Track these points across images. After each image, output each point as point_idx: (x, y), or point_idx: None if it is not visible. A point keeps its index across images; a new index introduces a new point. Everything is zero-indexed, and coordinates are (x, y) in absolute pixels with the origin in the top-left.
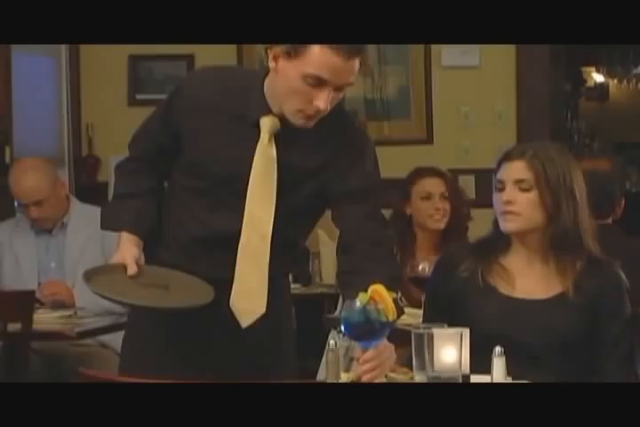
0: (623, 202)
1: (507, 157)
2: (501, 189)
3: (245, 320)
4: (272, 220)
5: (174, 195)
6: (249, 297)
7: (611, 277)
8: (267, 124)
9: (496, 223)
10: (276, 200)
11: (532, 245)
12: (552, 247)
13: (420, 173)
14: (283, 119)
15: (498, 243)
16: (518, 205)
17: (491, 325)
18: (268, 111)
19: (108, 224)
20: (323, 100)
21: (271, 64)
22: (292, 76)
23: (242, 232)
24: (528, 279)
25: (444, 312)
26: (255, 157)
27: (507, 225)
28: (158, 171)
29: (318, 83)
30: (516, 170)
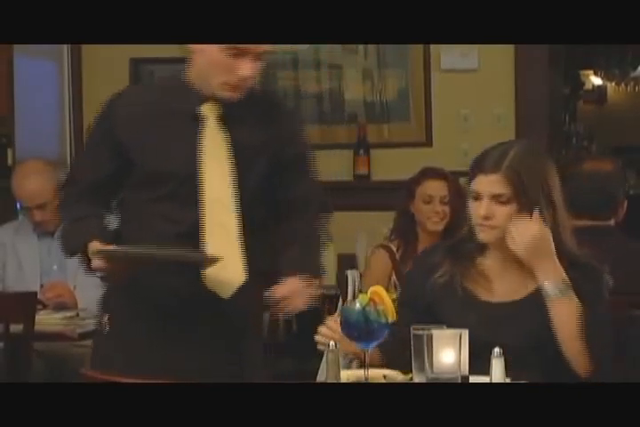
0: (625, 203)
1: (481, 168)
2: (478, 199)
3: (226, 291)
4: (233, 195)
5: (138, 206)
6: (225, 268)
7: (587, 270)
8: (207, 109)
9: (472, 227)
10: (236, 180)
11: (510, 249)
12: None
13: (424, 173)
14: (220, 102)
15: (474, 246)
16: (496, 219)
17: (473, 332)
18: (204, 98)
19: (73, 246)
20: (246, 69)
21: (189, 47)
22: (210, 51)
23: (207, 211)
24: (506, 281)
25: (420, 314)
26: (205, 142)
27: (483, 236)
28: (107, 195)
29: (238, 52)
30: (493, 184)
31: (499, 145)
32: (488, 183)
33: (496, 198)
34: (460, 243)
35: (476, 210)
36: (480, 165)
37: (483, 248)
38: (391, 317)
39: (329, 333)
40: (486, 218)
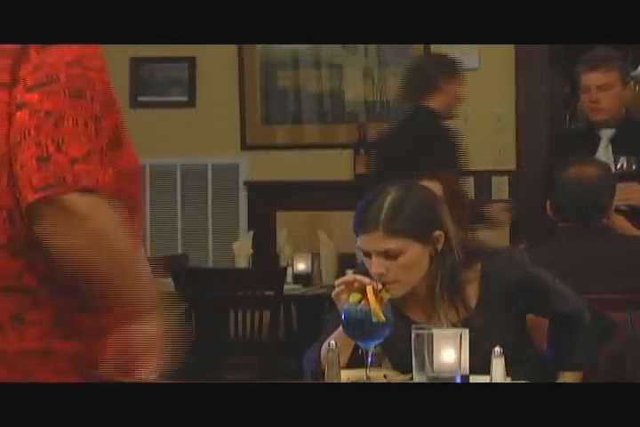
0: (614, 204)
1: (361, 227)
2: (368, 256)
3: None
4: None
5: None
6: None
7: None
8: None
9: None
10: None
11: (417, 295)
12: (442, 290)
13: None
14: None
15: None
16: (391, 274)
17: None
18: None
19: None
20: None
21: None
22: None
23: None
24: (430, 320)
25: None
26: None
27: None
28: None
29: None
30: (376, 242)
31: (375, 196)
32: (371, 242)
33: (384, 255)
34: None
35: (371, 268)
36: (360, 225)
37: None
38: (376, 317)
39: (350, 277)
40: (381, 275)
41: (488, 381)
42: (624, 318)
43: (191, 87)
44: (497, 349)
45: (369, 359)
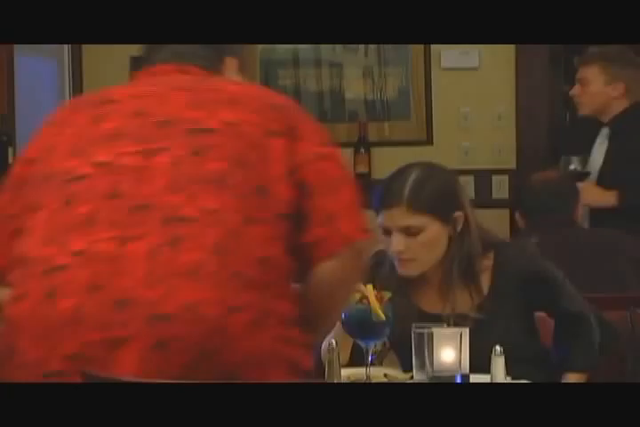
0: (581, 204)
1: (384, 202)
2: (388, 234)
3: None
4: None
5: None
6: None
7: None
8: None
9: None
10: None
11: (432, 279)
12: (459, 275)
13: None
14: None
15: (401, 282)
16: (411, 251)
17: None
18: None
19: None
20: None
21: None
22: None
23: None
24: (433, 308)
25: None
26: None
27: (403, 271)
28: None
29: None
30: (398, 218)
31: (398, 173)
32: (394, 217)
33: (405, 231)
34: (387, 281)
35: (389, 245)
36: (382, 199)
37: (411, 282)
38: (376, 316)
39: None
40: (400, 252)
41: (488, 380)
42: (624, 317)
43: None
44: (497, 347)
45: (369, 358)
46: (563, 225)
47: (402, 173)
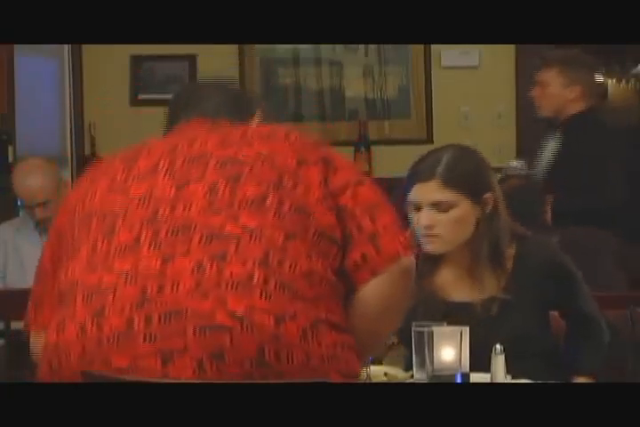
0: (549, 207)
1: (417, 177)
2: (418, 209)
3: None
4: None
5: None
6: None
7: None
8: None
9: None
10: None
11: (460, 262)
12: (485, 259)
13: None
14: None
15: (424, 264)
16: (439, 228)
17: None
18: None
19: None
20: None
21: None
22: None
23: None
24: (461, 293)
25: None
26: None
27: (430, 247)
28: None
29: None
30: (431, 192)
31: (432, 152)
32: (425, 191)
33: (436, 207)
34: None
35: (418, 220)
36: (415, 174)
37: (434, 265)
38: None
39: None
40: (428, 227)
41: (488, 379)
42: (624, 316)
43: None
44: (497, 346)
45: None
46: (538, 228)
47: (436, 151)
